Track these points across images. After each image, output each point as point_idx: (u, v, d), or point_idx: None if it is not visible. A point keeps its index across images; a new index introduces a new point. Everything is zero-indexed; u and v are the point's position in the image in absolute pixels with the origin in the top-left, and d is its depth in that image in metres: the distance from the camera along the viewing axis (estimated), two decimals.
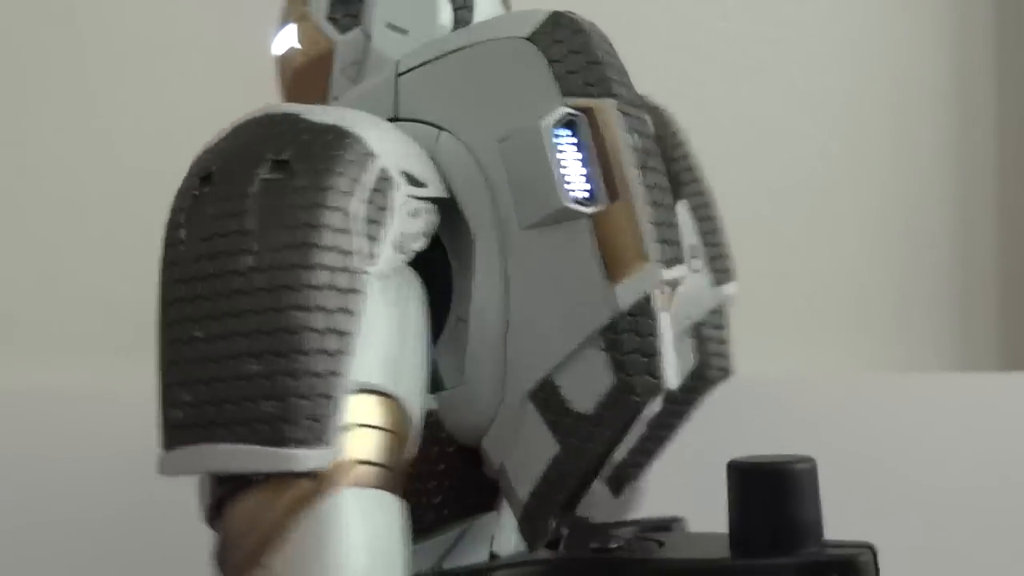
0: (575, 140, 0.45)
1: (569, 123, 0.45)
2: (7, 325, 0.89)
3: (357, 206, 0.42)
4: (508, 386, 0.46)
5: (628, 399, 0.43)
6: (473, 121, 0.47)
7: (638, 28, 0.95)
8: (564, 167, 0.44)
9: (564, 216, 0.44)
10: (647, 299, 0.43)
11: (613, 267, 0.43)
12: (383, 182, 0.43)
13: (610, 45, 0.47)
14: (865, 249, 1.05)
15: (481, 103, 0.47)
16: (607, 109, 0.45)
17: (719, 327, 0.61)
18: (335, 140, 0.42)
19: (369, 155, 0.42)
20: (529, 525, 0.46)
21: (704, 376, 0.61)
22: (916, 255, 1.06)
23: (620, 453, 0.59)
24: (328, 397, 0.40)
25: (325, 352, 0.40)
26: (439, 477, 0.49)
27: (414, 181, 0.44)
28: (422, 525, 0.48)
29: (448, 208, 0.47)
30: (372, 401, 0.42)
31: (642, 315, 0.43)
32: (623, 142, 0.44)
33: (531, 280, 0.45)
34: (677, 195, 0.58)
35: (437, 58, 0.49)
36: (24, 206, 0.91)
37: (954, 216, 1.08)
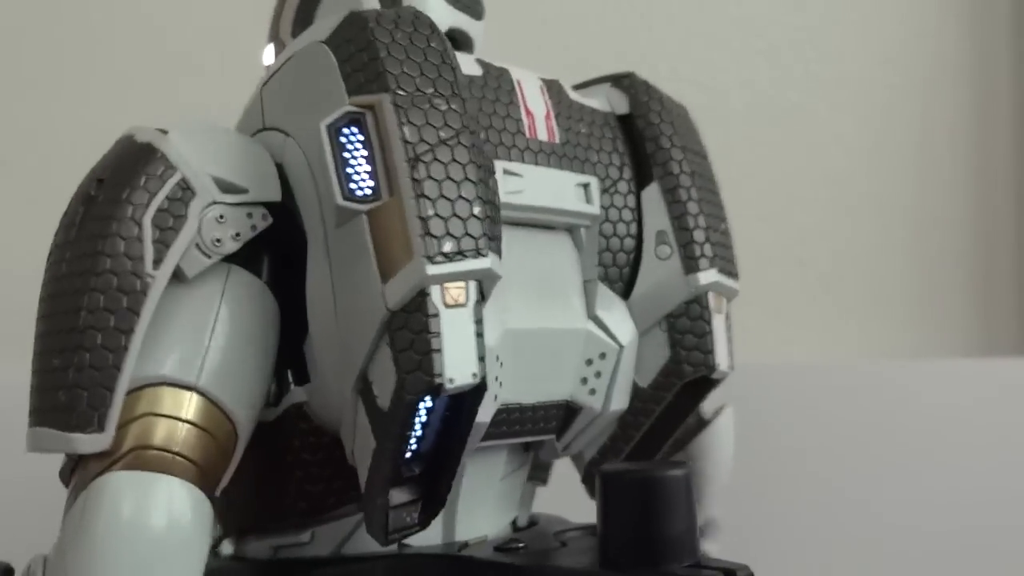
0: (362, 138, 0.44)
1: (356, 121, 0.44)
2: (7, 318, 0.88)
3: (150, 216, 0.44)
4: (344, 379, 0.46)
5: (404, 396, 0.43)
6: (302, 125, 0.47)
7: (653, 15, 0.92)
8: (352, 166, 0.44)
9: (345, 215, 0.44)
10: (421, 295, 0.43)
11: (385, 264, 0.43)
12: (183, 192, 0.45)
13: (422, 32, 0.46)
14: (881, 236, 1.02)
15: (303, 108, 0.47)
16: (381, 104, 0.44)
17: (697, 319, 0.55)
18: (141, 158, 0.46)
19: (170, 169, 0.45)
20: (366, 516, 0.46)
21: (676, 372, 0.55)
22: (933, 241, 1.05)
23: (589, 452, 0.57)
24: (108, 389, 0.43)
25: (106, 348, 0.43)
26: (316, 466, 0.50)
27: (228, 187, 0.46)
28: (303, 511, 0.50)
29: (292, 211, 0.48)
30: (163, 393, 0.45)
31: (415, 311, 0.43)
32: (395, 136, 0.44)
33: (340, 278, 0.45)
34: (645, 178, 0.56)
35: (280, 67, 0.50)
36: (23, 198, 0.90)
37: (972, 202, 1.07)
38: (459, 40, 0.56)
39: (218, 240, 0.46)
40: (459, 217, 0.44)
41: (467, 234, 0.44)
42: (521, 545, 0.51)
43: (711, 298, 0.56)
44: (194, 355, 0.46)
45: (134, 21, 0.93)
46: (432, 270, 0.43)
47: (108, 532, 0.41)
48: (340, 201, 0.44)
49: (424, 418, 0.46)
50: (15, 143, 0.91)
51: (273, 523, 0.52)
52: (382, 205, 0.43)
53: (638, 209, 0.56)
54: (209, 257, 0.46)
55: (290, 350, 0.49)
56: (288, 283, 0.48)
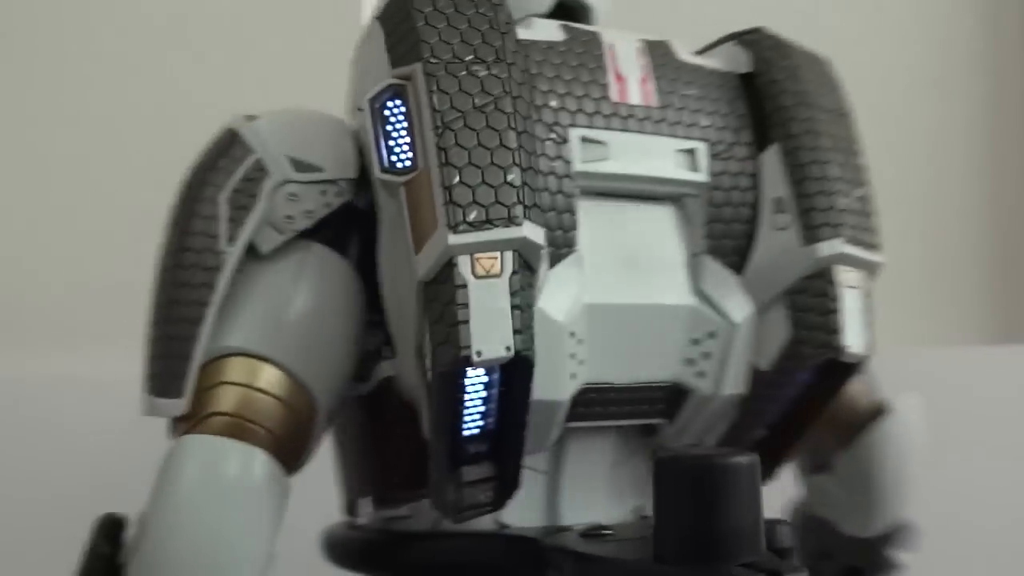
0: (404, 109, 0.44)
1: (399, 93, 0.44)
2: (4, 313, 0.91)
3: (226, 196, 0.47)
4: (412, 353, 0.45)
5: (436, 371, 0.42)
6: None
7: (661, 3, 0.88)
8: (394, 138, 0.44)
9: (388, 188, 0.44)
10: (449, 265, 0.41)
11: (417, 235, 0.42)
12: (257, 173, 0.48)
13: (473, 3, 0.45)
14: (894, 223, 0.96)
15: (367, 85, 0.46)
16: (416, 74, 0.43)
17: (820, 295, 0.49)
18: (223, 143, 0.49)
19: (247, 152, 0.48)
20: (430, 490, 0.45)
21: (797, 355, 0.50)
22: (946, 230, 1.01)
23: (709, 439, 0.52)
24: (186, 358, 0.46)
25: (186, 320, 0.46)
26: (406, 440, 0.49)
27: (304, 167, 0.48)
28: (398, 485, 0.51)
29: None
30: (238, 363, 0.47)
31: (444, 282, 0.41)
32: (424, 106, 0.43)
33: (398, 249, 0.45)
34: (767, 142, 0.51)
35: (357, 49, 0.50)
36: (16, 196, 0.90)
37: (984, 190, 1.03)
38: (575, 10, 0.54)
39: (290, 217, 0.48)
40: (489, 185, 0.42)
41: (497, 202, 0.42)
42: (609, 532, 0.48)
43: (838, 272, 0.49)
44: (268, 327, 0.48)
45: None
46: (454, 239, 0.41)
47: (176, 493, 0.44)
48: (378, 173, 0.44)
49: (484, 393, 0.45)
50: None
51: (379, 496, 0.53)
52: (416, 176, 0.43)
53: (756, 176, 0.51)
54: (282, 233, 0.48)
55: (383, 322, 0.50)
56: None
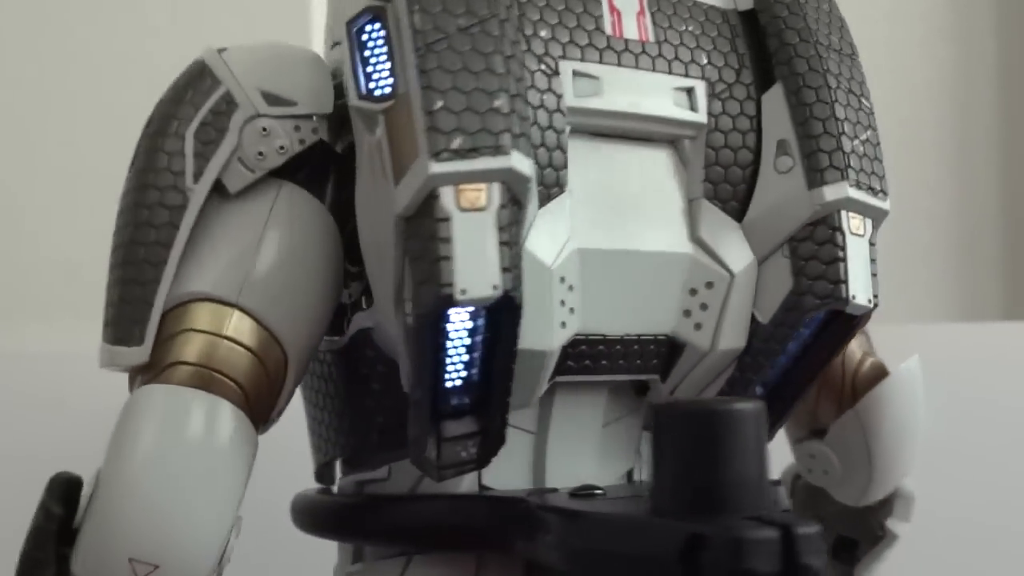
0: (384, 33, 0.41)
1: (378, 16, 0.41)
2: None
3: (192, 130, 0.44)
4: (390, 298, 0.42)
5: (416, 313, 0.39)
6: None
7: None
8: (372, 65, 0.41)
9: (365, 116, 0.41)
10: (431, 197, 0.38)
11: (397, 167, 0.39)
12: (227, 105, 0.44)
13: None
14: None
15: (345, 12, 0.43)
16: None
17: (825, 242, 0.46)
18: (192, 75, 0.46)
19: (215, 84, 0.45)
20: (410, 447, 0.42)
21: (799, 306, 0.46)
22: (917, 206, 1.02)
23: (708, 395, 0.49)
24: (147, 303, 0.43)
25: (147, 263, 0.43)
26: (384, 396, 0.47)
27: (276, 100, 0.45)
28: (376, 444, 0.48)
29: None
30: (204, 308, 0.44)
31: (425, 216, 0.38)
32: (405, 27, 0.39)
33: (378, 187, 0.42)
34: (769, 81, 0.48)
35: None
36: None
37: (956, 168, 1.05)
38: None
39: (261, 153, 0.45)
40: (474, 111, 0.39)
41: (484, 129, 0.39)
42: (599, 492, 0.45)
43: (844, 218, 0.47)
44: (236, 272, 0.44)
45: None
46: (436, 168, 0.38)
47: (133, 449, 0.41)
48: (354, 101, 0.41)
49: (468, 341, 0.42)
50: None
51: (355, 457, 0.50)
52: (395, 103, 0.40)
53: (758, 118, 0.48)
54: (252, 171, 0.45)
55: (361, 273, 0.47)
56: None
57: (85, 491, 0.43)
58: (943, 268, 1.04)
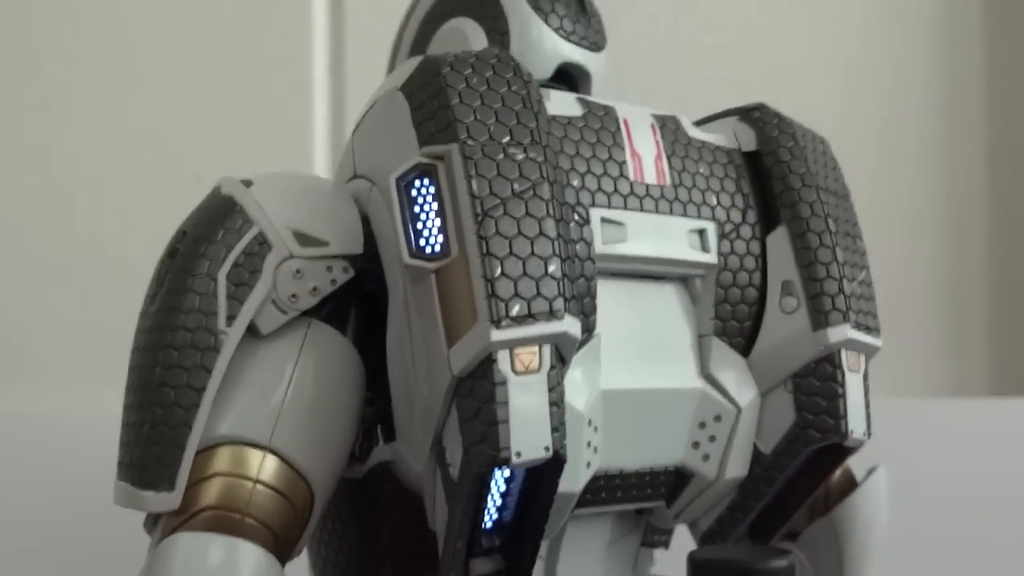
0: (434, 191, 0.41)
1: (427, 173, 0.41)
2: None
3: (225, 271, 0.43)
4: (424, 442, 0.43)
5: (469, 471, 0.40)
6: (383, 175, 0.44)
7: (620, 44, 0.94)
8: (423, 221, 0.41)
9: (414, 273, 0.41)
10: (488, 361, 0.39)
11: (451, 327, 0.40)
12: (259, 246, 0.44)
13: (502, 76, 0.43)
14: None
15: (384, 157, 0.44)
16: (450, 155, 0.41)
17: (827, 380, 0.49)
18: (222, 211, 0.45)
19: (247, 223, 0.44)
20: None
21: (802, 439, 0.49)
22: (907, 281, 1.03)
23: (705, 521, 0.51)
24: (178, 447, 0.42)
25: (178, 406, 0.42)
26: (402, 528, 0.47)
27: (308, 241, 0.45)
28: (387, 574, 0.48)
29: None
30: (235, 452, 0.43)
31: (481, 378, 0.39)
32: (462, 189, 0.40)
33: (416, 338, 0.43)
34: (773, 222, 0.51)
35: (366, 113, 0.47)
36: None
37: (944, 243, 1.06)
38: (575, 76, 0.52)
39: (294, 296, 0.45)
40: (530, 277, 0.40)
41: (539, 295, 0.40)
42: None
43: (844, 356, 0.49)
44: (267, 413, 0.44)
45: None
46: (497, 335, 0.39)
47: None
48: (407, 259, 0.41)
49: (503, 488, 0.43)
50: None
51: None
52: (449, 263, 0.41)
53: (763, 257, 0.51)
54: (285, 313, 0.45)
55: (381, 403, 0.47)
56: (377, 339, 0.46)
57: None
58: (931, 343, 1.05)
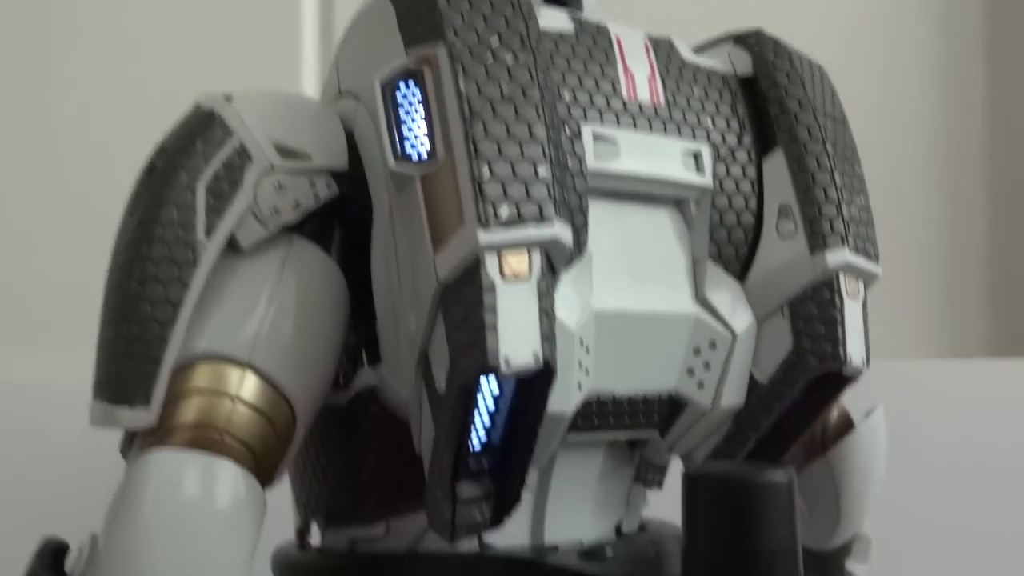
0: (420, 94, 0.40)
1: (413, 76, 0.40)
2: None
3: (204, 183, 0.42)
4: (409, 360, 0.42)
5: (455, 380, 0.38)
6: (368, 87, 0.42)
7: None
8: (408, 126, 0.40)
9: (401, 180, 0.40)
10: (475, 265, 0.38)
11: (436, 232, 0.39)
12: (239, 158, 0.43)
13: None
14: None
15: (368, 68, 0.43)
16: (437, 56, 0.40)
17: (826, 305, 0.47)
18: (199, 124, 0.44)
19: (227, 134, 0.43)
20: (428, 510, 0.42)
21: (799, 366, 0.47)
22: (905, 243, 1.03)
23: (700, 453, 0.50)
24: (154, 362, 0.41)
25: (155, 320, 0.41)
26: (388, 453, 0.46)
27: (289, 153, 0.43)
28: (376, 501, 0.47)
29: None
30: (214, 369, 0.42)
31: (468, 284, 0.38)
32: (449, 90, 0.39)
33: (401, 249, 0.41)
34: (769, 146, 0.49)
35: (349, 28, 0.46)
36: None
37: (943, 205, 1.06)
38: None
39: (276, 209, 0.43)
40: (520, 179, 0.39)
41: (529, 198, 0.39)
42: (610, 553, 0.45)
43: (843, 281, 0.48)
44: (247, 329, 0.43)
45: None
46: (485, 237, 0.38)
47: (146, 513, 0.39)
48: (392, 164, 0.40)
49: (492, 406, 0.41)
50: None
51: (348, 513, 0.49)
52: (436, 169, 0.39)
53: (759, 180, 0.49)
54: (266, 227, 0.43)
55: (365, 329, 0.46)
56: (362, 266, 0.45)
57: (76, 554, 0.41)
58: (930, 305, 1.05)
